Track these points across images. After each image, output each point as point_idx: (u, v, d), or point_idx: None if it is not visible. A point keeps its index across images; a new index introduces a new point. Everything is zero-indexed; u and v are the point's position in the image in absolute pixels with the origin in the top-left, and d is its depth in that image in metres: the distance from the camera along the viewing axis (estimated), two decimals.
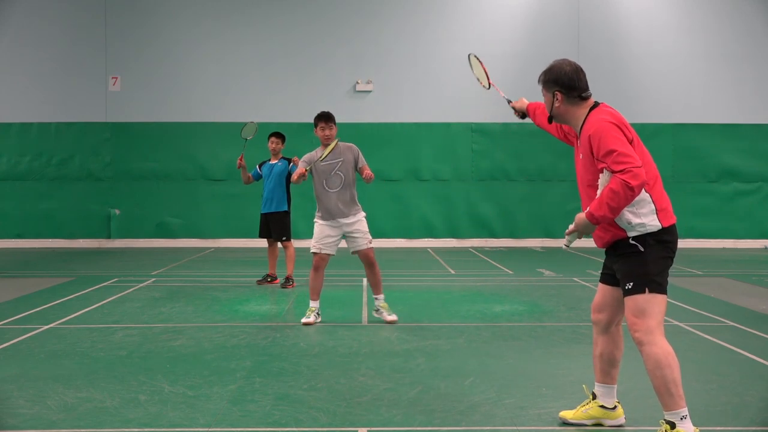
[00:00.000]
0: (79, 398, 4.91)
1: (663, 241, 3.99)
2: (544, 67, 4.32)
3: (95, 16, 16.88)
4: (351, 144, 7.61)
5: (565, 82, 4.12)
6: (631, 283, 3.96)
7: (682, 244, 16.67)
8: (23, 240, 16.61)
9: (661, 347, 3.90)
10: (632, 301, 3.96)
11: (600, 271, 4.39)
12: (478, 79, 5.48)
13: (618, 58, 16.97)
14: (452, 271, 12.03)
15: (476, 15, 16.98)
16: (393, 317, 7.47)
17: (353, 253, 7.54)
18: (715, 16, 17.05)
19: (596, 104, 4.15)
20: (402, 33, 17.00)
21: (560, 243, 16.54)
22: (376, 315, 7.55)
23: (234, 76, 16.94)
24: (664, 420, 3.94)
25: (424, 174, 16.88)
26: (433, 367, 5.77)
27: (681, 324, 7.47)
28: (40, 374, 5.51)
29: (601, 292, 4.33)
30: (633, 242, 3.97)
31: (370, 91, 16.91)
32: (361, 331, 7.20)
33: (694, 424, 4.04)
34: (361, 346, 6.51)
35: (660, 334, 3.95)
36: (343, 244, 7.60)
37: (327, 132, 7.43)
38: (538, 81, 4.29)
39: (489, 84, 5.35)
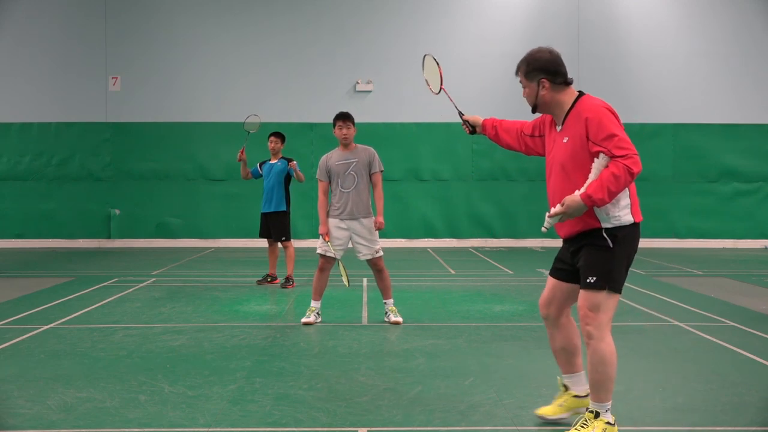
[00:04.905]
0: (79, 398, 4.91)
1: (630, 238, 4.04)
2: None
3: (95, 16, 16.89)
4: (369, 147, 7.61)
5: (551, 68, 4.12)
6: (594, 278, 4.00)
7: (683, 244, 16.71)
8: (23, 240, 16.61)
9: (609, 344, 4.01)
10: (590, 295, 4.01)
11: (552, 265, 4.39)
12: (426, 81, 5.32)
13: (618, 58, 16.96)
14: (452, 271, 12.03)
15: (476, 15, 16.98)
16: (399, 319, 7.47)
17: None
18: (715, 16, 17.04)
19: (582, 93, 4.16)
20: (402, 33, 17.00)
21: (561, 243, 16.53)
22: (386, 319, 7.54)
23: (234, 76, 16.94)
24: (590, 409, 4.06)
25: (424, 174, 16.88)
26: (433, 367, 5.77)
27: (681, 324, 7.47)
28: (40, 374, 5.51)
29: (550, 286, 4.36)
30: (604, 235, 4.00)
31: (370, 91, 16.91)
32: (361, 331, 7.20)
33: (694, 424, 4.08)
34: (361, 346, 6.51)
35: (609, 330, 4.04)
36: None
37: (345, 131, 7.41)
38: (517, 72, 4.25)
39: (440, 89, 5.15)
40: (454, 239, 16.83)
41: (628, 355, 6.18)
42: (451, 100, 5.14)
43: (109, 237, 16.70)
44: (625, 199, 3.99)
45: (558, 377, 4.61)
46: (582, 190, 3.91)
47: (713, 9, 17.05)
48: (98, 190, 16.74)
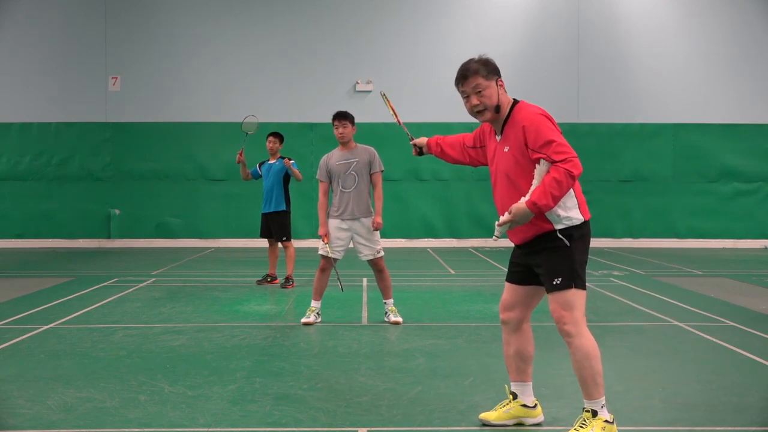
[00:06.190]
0: (79, 398, 4.91)
1: (584, 235, 4.11)
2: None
3: (95, 16, 16.89)
4: (370, 147, 7.60)
5: (499, 71, 4.18)
6: (560, 279, 4.03)
7: (683, 244, 16.71)
8: (23, 240, 16.61)
9: (590, 339, 4.03)
10: (560, 296, 4.05)
11: (508, 269, 4.40)
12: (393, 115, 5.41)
13: (618, 58, 16.96)
14: (452, 271, 12.03)
15: (476, 15, 16.98)
16: (398, 319, 7.46)
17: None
18: (715, 16, 17.05)
19: (516, 101, 4.20)
20: (402, 33, 17.01)
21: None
22: (386, 319, 7.53)
23: (234, 76, 16.94)
24: (587, 409, 4.04)
25: (424, 174, 16.88)
26: (433, 367, 5.77)
27: (681, 324, 7.47)
28: (40, 374, 5.51)
29: (511, 290, 4.37)
30: (560, 236, 4.05)
31: (370, 91, 16.91)
32: (361, 331, 7.20)
33: (694, 425, 4.07)
34: (361, 346, 6.51)
35: (585, 325, 4.06)
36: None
37: (341, 130, 7.40)
38: (466, 79, 4.12)
39: (398, 121, 5.23)
40: (454, 239, 16.84)
41: (628, 355, 6.18)
42: (404, 127, 5.20)
43: (109, 237, 16.70)
44: (571, 199, 4.07)
45: (506, 385, 4.58)
46: (527, 197, 3.97)
47: (713, 9, 17.05)
48: (98, 190, 16.74)
